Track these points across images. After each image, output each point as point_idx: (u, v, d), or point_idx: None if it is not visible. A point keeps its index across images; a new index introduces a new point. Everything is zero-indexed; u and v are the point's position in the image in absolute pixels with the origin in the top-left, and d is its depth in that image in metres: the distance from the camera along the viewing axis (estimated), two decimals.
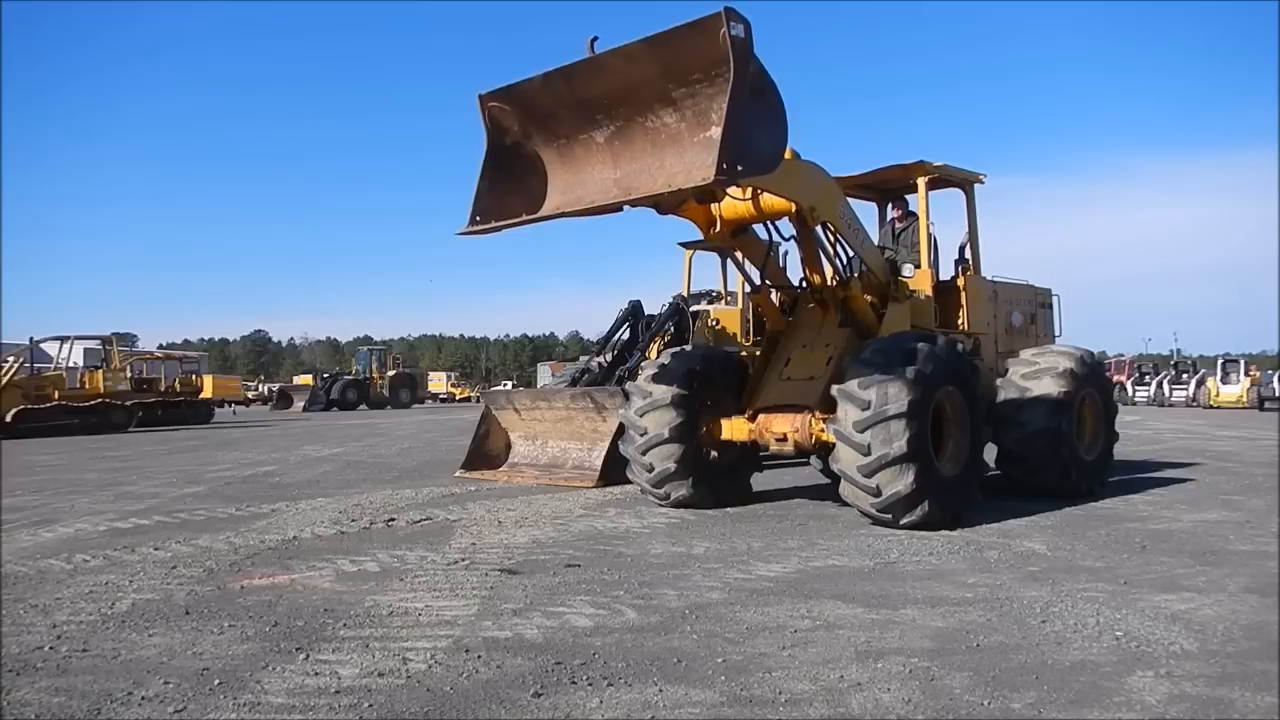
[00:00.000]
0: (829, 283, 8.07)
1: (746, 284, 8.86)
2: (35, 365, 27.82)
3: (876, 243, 9.62)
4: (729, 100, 5.60)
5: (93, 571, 5.79)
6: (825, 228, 7.73)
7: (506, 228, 6.89)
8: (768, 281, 8.47)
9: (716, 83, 5.88)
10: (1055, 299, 10.82)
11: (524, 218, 6.87)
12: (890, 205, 9.90)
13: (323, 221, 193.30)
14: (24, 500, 9.67)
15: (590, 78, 6.52)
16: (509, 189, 6.96)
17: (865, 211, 10.42)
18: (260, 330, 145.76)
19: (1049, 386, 8.52)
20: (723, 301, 13.57)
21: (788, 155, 6.81)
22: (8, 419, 23.13)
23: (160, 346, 73.16)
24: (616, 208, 6.69)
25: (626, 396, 8.64)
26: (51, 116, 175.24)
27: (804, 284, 8.39)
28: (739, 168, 5.64)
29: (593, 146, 6.79)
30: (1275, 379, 34.52)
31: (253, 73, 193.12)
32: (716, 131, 5.76)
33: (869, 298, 8.24)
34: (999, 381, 8.88)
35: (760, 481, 9.21)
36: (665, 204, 6.82)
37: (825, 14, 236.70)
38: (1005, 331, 9.88)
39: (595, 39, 6.43)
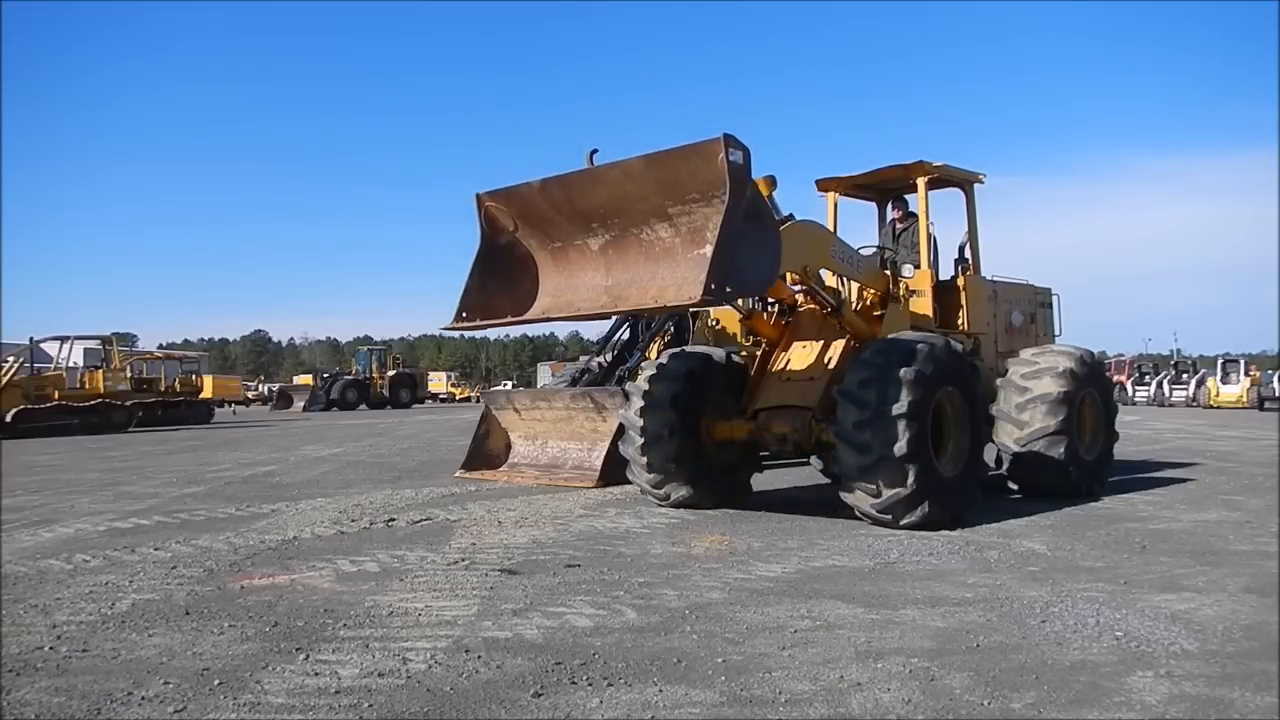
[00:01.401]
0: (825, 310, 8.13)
1: (738, 312, 8.88)
2: (35, 365, 27.83)
3: (876, 243, 9.64)
4: (723, 223, 5.69)
5: (93, 571, 5.80)
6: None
7: (491, 327, 7.05)
8: (769, 298, 8.48)
9: (713, 203, 5.97)
10: (1055, 298, 10.82)
11: (510, 319, 7.01)
12: (890, 205, 9.90)
13: (323, 221, 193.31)
14: (24, 500, 9.67)
15: (587, 188, 6.63)
16: (498, 289, 7.10)
17: (865, 211, 10.44)
18: (260, 330, 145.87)
19: (1049, 386, 8.51)
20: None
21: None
22: (8, 419, 23.13)
23: (160, 346, 73.23)
24: (604, 315, 6.77)
25: (626, 396, 8.64)
26: (51, 116, 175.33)
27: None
28: (727, 289, 5.74)
29: (586, 253, 6.89)
30: (1275, 379, 34.52)
31: (253, 72, 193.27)
32: (710, 250, 5.84)
33: (870, 301, 8.30)
34: (999, 381, 8.88)
35: (760, 481, 9.21)
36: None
37: (825, 13, 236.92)
38: (1005, 331, 9.88)
39: (594, 151, 6.65)
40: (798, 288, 8.08)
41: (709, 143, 5.82)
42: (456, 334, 7.19)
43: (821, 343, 8.18)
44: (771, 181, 7.36)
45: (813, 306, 8.43)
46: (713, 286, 5.54)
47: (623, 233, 6.65)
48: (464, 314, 6.99)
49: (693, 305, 5.86)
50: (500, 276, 7.13)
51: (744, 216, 5.84)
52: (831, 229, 9.98)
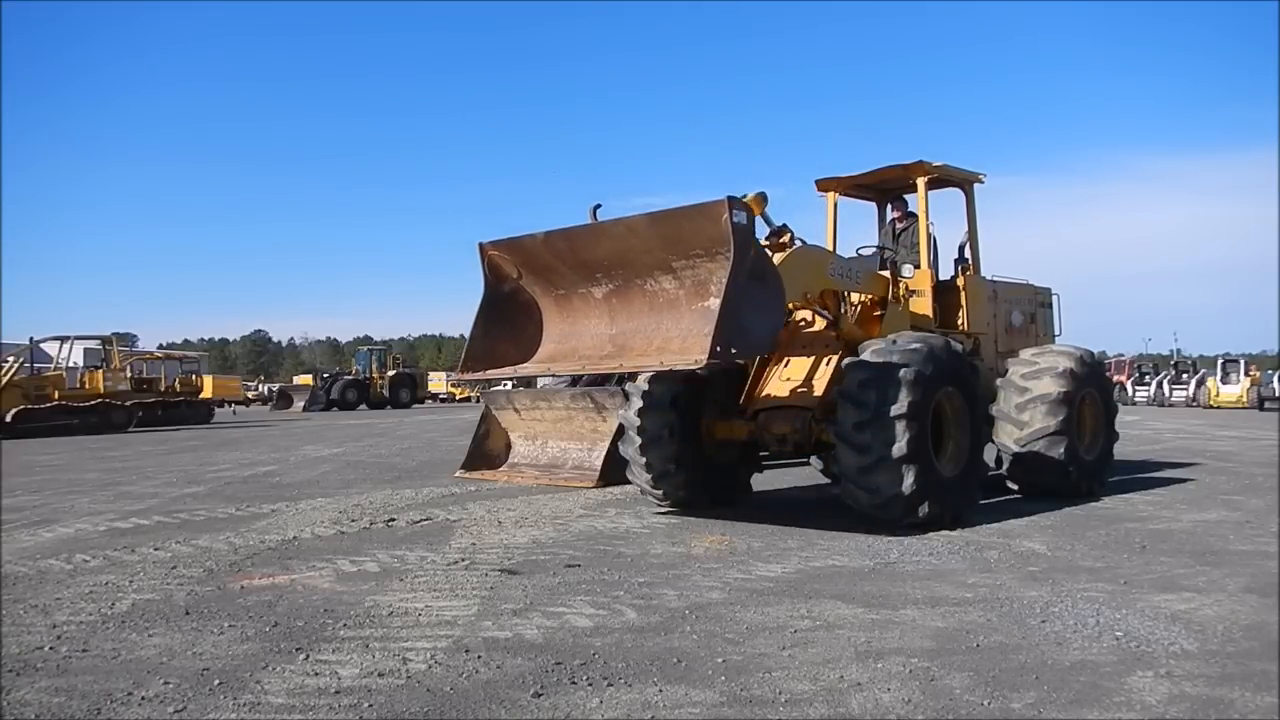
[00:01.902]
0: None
1: None
2: (35, 365, 27.83)
3: (876, 243, 9.64)
4: (727, 284, 5.75)
5: (93, 571, 5.80)
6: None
7: (497, 377, 7.11)
8: None
9: (717, 258, 6.05)
10: (1055, 298, 10.82)
11: (515, 366, 7.07)
12: (890, 206, 9.90)
13: (322, 221, 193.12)
14: (24, 500, 9.67)
15: (590, 242, 6.74)
16: (502, 335, 7.18)
17: (865, 211, 10.44)
18: (260, 330, 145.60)
19: (1049, 386, 8.52)
20: None
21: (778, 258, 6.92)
22: (8, 419, 23.13)
23: (160, 346, 73.19)
24: (609, 370, 6.82)
25: (626, 396, 8.63)
26: (51, 116, 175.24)
27: None
28: (732, 350, 5.79)
29: (590, 300, 6.98)
30: (1275, 379, 34.50)
31: (253, 72, 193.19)
32: (714, 302, 5.94)
33: (869, 302, 8.33)
34: (999, 381, 8.88)
35: (760, 481, 9.21)
36: None
37: (825, 12, 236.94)
38: (1005, 331, 9.88)
39: (598, 206, 6.78)
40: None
41: (713, 204, 5.93)
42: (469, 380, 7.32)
43: (822, 343, 8.18)
44: (763, 199, 7.40)
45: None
46: (718, 349, 5.60)
47: (626, 283, 6.74)
48: (470, 364, 7.09)
49: (699, 369, 5.88)
50: (505, 323, 7.22)
51: (748, 276, 5.91)
52: (831, 229, 10.01)
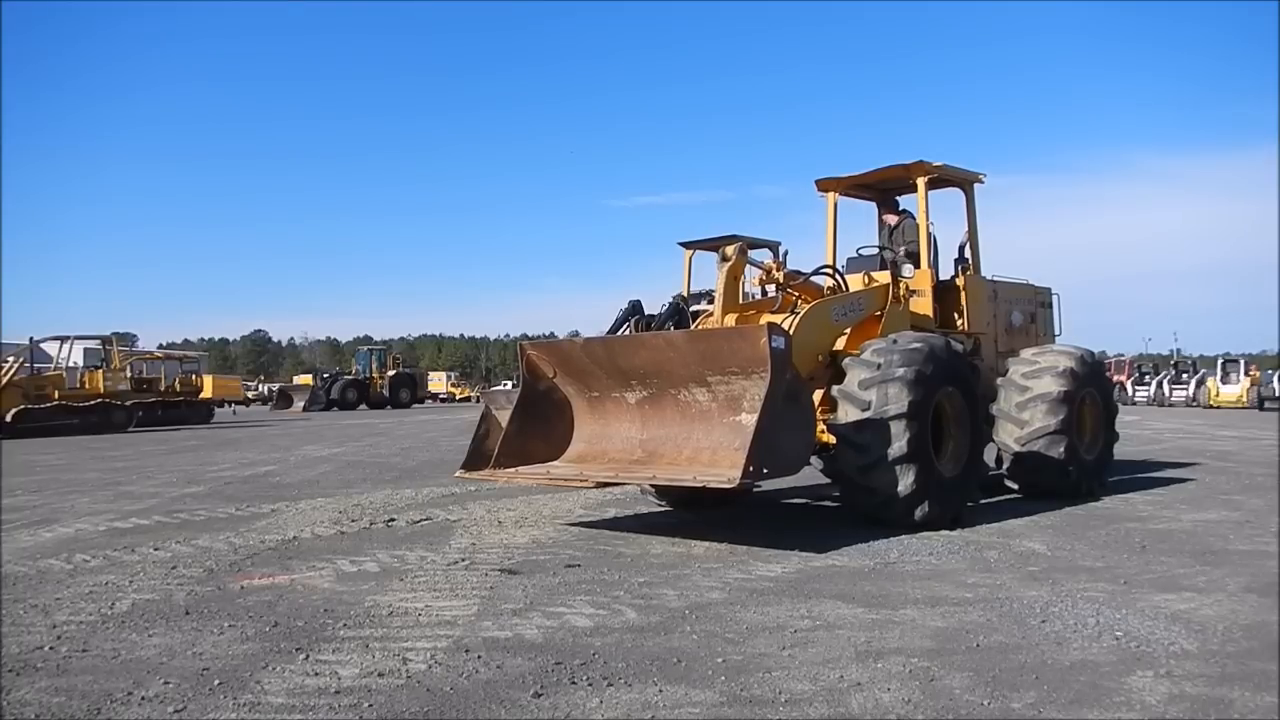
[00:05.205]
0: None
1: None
2: (35, 365, 27.81)
3: (876, 243, 9.65)
4: (763, 406, 5.86)
5: (93, 571, 5.79)
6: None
7: (528, 475, 7.20)
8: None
9: (752, 377, 6.22)
10: (1055, 298, 10.81)
11: (544, 464, 7.20)
12: (885, 209, 9.89)
13: (323, 221, 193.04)
14: (24, 500, 9.67)
15: (629, 350, 7.02)
16: (535, 432, 7.39)
17: (865, 211, 10.43)
18: (260, 330, 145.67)
19: (1049, 386, 8.52)
20: None
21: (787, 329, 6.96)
22: (8, 419, 23.12)
23: (160, 346, 73.16)
24: (637, 481, 7.00)
25: None
26: (52, 116, 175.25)
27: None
28: (764, 470, 5.89)
29: (623, 405, 7.18)
30: (1275, 379, 34.47)
31: (253, 71, 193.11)
32: (746, 417, 6.17)
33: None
34: (999, 381, 8.88)
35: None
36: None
37: (825, 11, 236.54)
38: (1005, 331, 9.87)
39: (575, 333, 6.80)
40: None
41: (752, 328, 6.26)
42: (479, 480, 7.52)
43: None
44: (743, 250, 7.53)
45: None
46: (750, 468, 5.70)
47: (660, 391, 6.90)
48: (503, 459, 7.23)
49: (730, 489, 5.96)
50: (538, 420, 7.39)
51: (783, 398, 6.01)
52: (831, 229, 10.01)
